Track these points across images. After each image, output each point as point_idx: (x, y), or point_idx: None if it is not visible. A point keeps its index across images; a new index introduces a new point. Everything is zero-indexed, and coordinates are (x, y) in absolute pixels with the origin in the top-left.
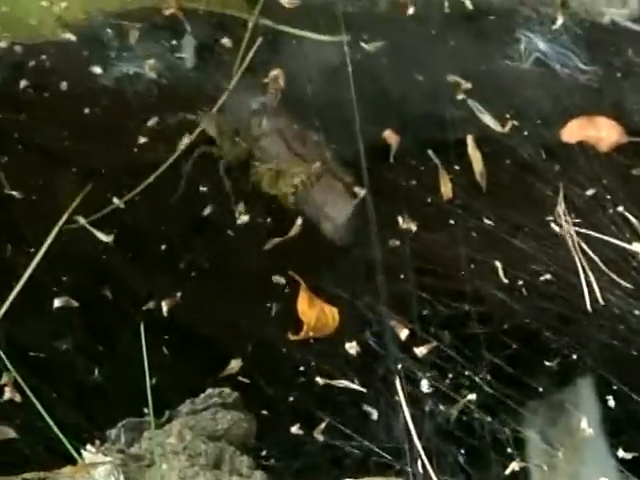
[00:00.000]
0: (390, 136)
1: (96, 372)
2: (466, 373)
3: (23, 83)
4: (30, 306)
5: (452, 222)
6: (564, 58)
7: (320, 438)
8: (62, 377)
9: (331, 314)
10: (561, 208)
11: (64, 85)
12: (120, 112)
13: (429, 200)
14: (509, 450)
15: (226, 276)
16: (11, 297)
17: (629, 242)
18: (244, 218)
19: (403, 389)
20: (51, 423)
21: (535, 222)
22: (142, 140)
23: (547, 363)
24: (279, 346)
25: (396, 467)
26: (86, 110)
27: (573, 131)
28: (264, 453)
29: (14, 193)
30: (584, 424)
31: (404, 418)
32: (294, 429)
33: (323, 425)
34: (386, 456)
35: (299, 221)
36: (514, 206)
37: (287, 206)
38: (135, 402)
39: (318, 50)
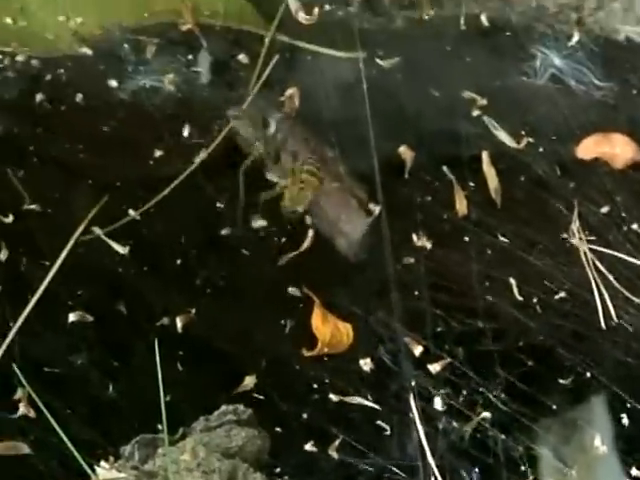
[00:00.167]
0: (405, 152)
1: (110, 388)
2: (480, 390)
3: (39, 97)
4: (45, 320)
5: (467, 239)
6: (579, 74)
7: (334, 455)
8: (76, 393)
9: (345, 331)
10: (576, 225)
11: (80, 99)
12: (136, 125)
13: (444, 216)
14: (523, 468)
15: (240, 293)
16: (26, 311)
17: None
18: (259, 234)
19: (417, 406)
20: (65, 439)
21: (550, 239)
22: (158, 153)
23: (561, 381)
24: (293, 362)
25: None
26: (102, 123)
27: (588, 148)
28: (278, 470)
29: (32, 207)
30: (598, 442)
31: (418, 435)
32: (308, 446)
33: (337, 442)
34: (400, 473)
35: (310, 233)
36: (529, 223)
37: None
38: (149, 418)
39: (334, 66)
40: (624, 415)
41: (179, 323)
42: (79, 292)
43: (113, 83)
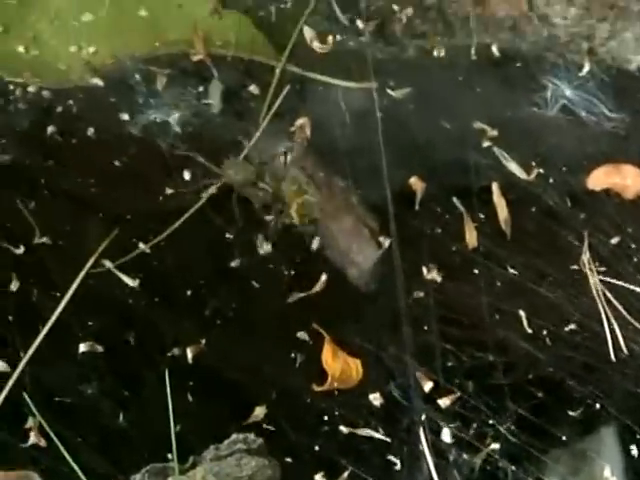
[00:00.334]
0: (416, 183)
1: (121, 417)
2: (490, 422)
3: (51, 129)
4: (56, 350)
5: (476, 271)
6: (590, 105)
7: None
8: (87, 422)
9: (355, 366)
10: (586, 256)
11: (91, 131)
12: (146, 159)
13: (454, 248)
14: None
15: (250, 324)
16: (37, 341)
17: None
18: (270, 266)
19: (427, 439)
20: (76, 468)
21: (560, 270)
22: (168, 187)
23: (571, 412)
24: (303, 395)
25: None
26: (113, 157)
27: (599, 179)
28: None
29: (43, 239)
30: (607, 473)
31: (428, 468)
32: (318, 477)
33: (347, 474)
34: None
35: (323, 277)
36: (539, 254)
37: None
38: (159, 447)
39: (345, 96)
40: (634, 446)
41: (189, 354)
42: (90, 323)
43: (124, 116)
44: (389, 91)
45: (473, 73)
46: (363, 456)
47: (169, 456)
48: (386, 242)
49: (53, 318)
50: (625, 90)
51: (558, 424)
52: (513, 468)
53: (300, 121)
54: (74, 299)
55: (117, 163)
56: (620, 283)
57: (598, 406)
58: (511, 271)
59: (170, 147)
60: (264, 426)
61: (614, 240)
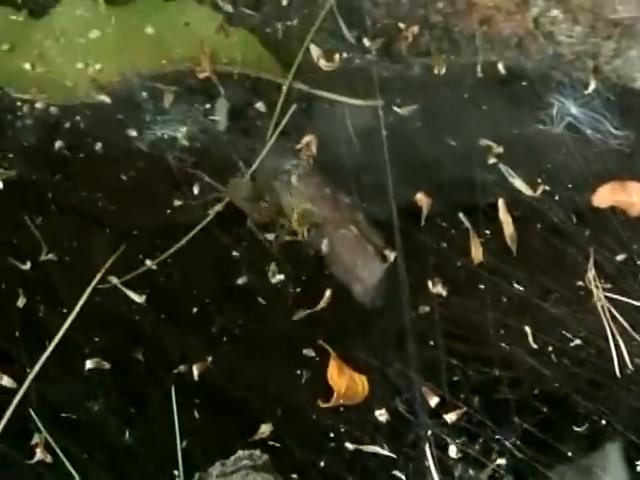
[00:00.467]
0: (421, 199)
1: (127, 434)
2: (496, 438)
3: (58, 144)
4: (62, 367)
5: (482, 286)
6: (596, 123)
7: None
8: (93, 438)
9: (361, 383)
10: (591, 273)
11: (99, 147)
12: (154, 175)
13: (459, 264)
14: None
15: (257, 341)
16: (43, 357)
17: None
18: (276, 283)
19: (433, 455)
20: None
21: (565, 287)
22: (175, 203)
23: (576, 428)
24: (309, 412)
25: None
26: (120, 172)
27: (604, 196)
28: None
29: (49, 254)
30: None
31: None
32: None
33: None
34: None
35: (328, 293)
36: (544, 270)
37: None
38: (165, 464)
39: (351, 113)
40: (639, 462)
41: (196, 371)
42: (96, 339)
43: (131, 133)
44: (395, 108)
45: (479, 91)
46: (369, 472)
47: (175, 472)
48: (391, 257)
49: (60, 334)
50: (630, 108)
51: (563, 440)
52: None
53: (307, 138)
54: (81, 315)
55: (124, 179)
56: (625, 300)
57: (603, 422)
58: (517, 287)
59: (177, 164)
60: (270, 442)
61: (619, 257)
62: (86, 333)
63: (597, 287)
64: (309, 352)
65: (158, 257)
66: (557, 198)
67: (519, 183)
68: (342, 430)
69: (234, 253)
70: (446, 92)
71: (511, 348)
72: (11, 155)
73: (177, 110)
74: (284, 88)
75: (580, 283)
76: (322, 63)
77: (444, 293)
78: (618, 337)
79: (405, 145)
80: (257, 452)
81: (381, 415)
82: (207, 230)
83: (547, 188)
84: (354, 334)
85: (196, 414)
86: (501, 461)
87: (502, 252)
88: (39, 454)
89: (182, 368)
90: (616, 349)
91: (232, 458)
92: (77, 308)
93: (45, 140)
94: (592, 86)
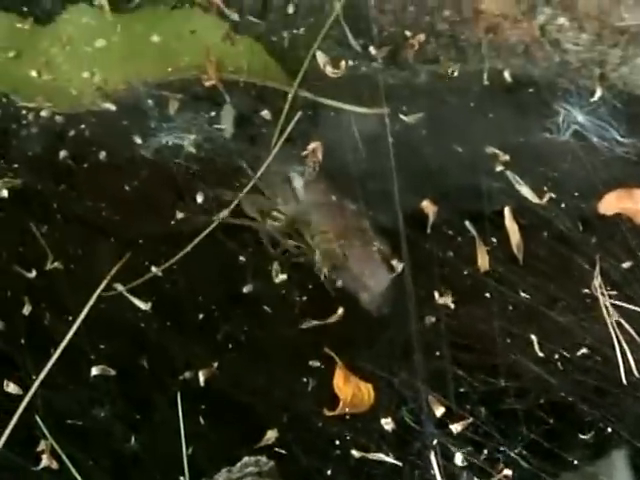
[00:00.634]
0: (428, 206)
1: (133, 440)
2: (501, 448)
3: (63, 153)
4: (68, 374)
5: (488, 295)
6: (602, 130)
7: None
8: (99, 445)
9: (367, 391)
10: (598, 281)
11: (103, 155)
12: (158, 183)
13: (466, 272)
14: None
15: (262, 348)
16: (49, 364)
17: None
18: (282, 290)
19: (438, 464)
20: None
21: (572, 295)
22: (180, 210)
23: (582, 436)
24: (315, 419)
25: None
26: (125, 181)
27: (610, 203)
28: None
29: (55, 263)
30: None
31: None
32: None
33: None
34: None
35: (340, 311)
36: (551, 278)
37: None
38: (171, 470)
39: (357, 121)
40: None
41: (201, 377)
42: (102, 346)
43: (136, 140)
44: (401, 116)
45: (485, 98)
46: None
47: (181, 479)
48: (398, 266)
49: (65, 341)
50: (637, 115)
51: (569, 448)
52: None
53: (312, 145)
54: (86, 323)
55: (129, 187)
56: (632, 307)
57: (609, 430)
58: (523, 295)
59: (182, 171)
60: (276, 449)
61: (626, 264)
62: (92, 340)
63: (603, 294)
64: (315, 360)
65: (163, 264)
66: (563, 206)
67: (525, 191)
68: (348, 438)
69: (239, 260)
70: (452, 100)
71: (517, 357)
72: (16, 164)
73: (183, 118)
74: (290, 96)
75: (586, 291)
76: (329, 70)
77: (450, 302)
78: (624, 344)
79: (411, 153)
80: (263, 459)
81: (387, 424)
82: (212, 237)
83: (553, 196)
84: (360, 343)
85: (202, 420)
86: (507, 471)
87: (508, 260)
88: (45, 460)
89: (188, 375)
90: (622, 356)
91: (238, 464)
92: (82, 315)
93: (50, 149)
94: (598, 94)
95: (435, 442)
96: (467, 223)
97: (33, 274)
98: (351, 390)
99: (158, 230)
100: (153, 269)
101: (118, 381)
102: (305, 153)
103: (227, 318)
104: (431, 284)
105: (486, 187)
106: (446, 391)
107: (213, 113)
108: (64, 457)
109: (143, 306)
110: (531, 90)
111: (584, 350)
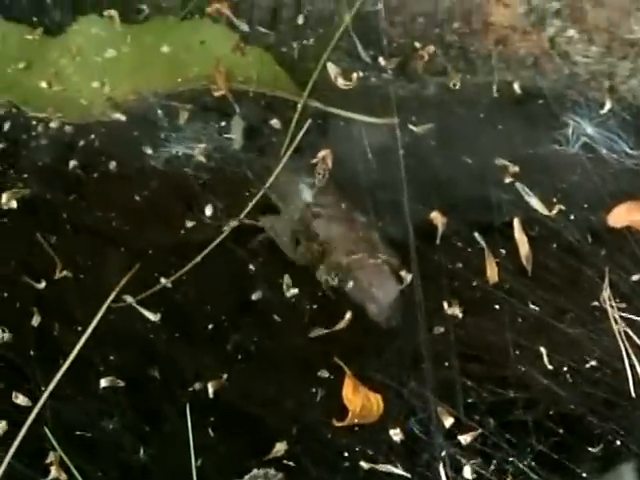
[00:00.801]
0: (437, 218)
1: (142, 452)
2: (510, 460)
3: (73, 163)
4: (77, 385)
5: (497, 307)
6: (611, 143)
7: None
8: (108, 456)
9: (376, 401)
10: (607, 293)
11: (113, 165)
12: (168, 194)
13: (474, 284)
14: None
15: (272, 359)
16: (58, 375)
17: None
18: (291, 300)
19: (447, 475)
20: None
21: (581, 307)
22: (189, 221)
23: (591, 448)
24: (324, 431)
25: None
26: (135, 191)
27: (619, 216)
28: None
29: (64, 273)
30: None
31: None
32: None
33: None
34: None
35: (348, 315)
36: (560, 290)
37: (327, 287)
38: None
39: (366, 131)
40: None
41: (211, 389)
42: (111, 358)
43: (146, 150)
44: (411, 127)
45: (495, 110)
46: None
47: None
48: (407, 278)
49: (74, 353)
50: None
51: (578, 460)
52: None
53: (322, 153)
54: (95, 334)
55: (139, 197)
56: None
57: (618, 442)
58: (532, 307)
59: (192, 182)
60: (284, 461)
61: (635, 277)
62: (101, 351)
63: (612, 307)
64: (324, 370)
65: (173, 275)
66: (572, 218)
67: (535, 202)
68: (357, 449)
69: (249, 270)
70: (462, 111)
71: (526, 369)
72: (26, 174)
73: (192, 128)
74: (299, 106)
75: (595, 303)
76: (340, 82)
77: (459, 313)
78: (633, 357)
79: (420, 164)
80: (272, 471)
81: (396, 435)
82: (222, 248)
83: (563, 208)
84: (369, 353)
85: (211, 432)
86: None
87: (517, 272)
88: (54, 472)
89: (197, 386)
90: (631, 369)
91: (247, 477)
92: (92, 326)
93: (60, 159)
94: (608, 106)
95: (444, 453)
96: (476, 234)
97: (42, 285)
98: (360, 400)
99: (168, 240)
100: (162, 280)
101: (127, 392)
102: (315, 161)
103: (236, 328)
104: (440, 295)
105: (495, 198)
106: (455, 402)
107: (223, 123)
108: (73, 469)
109: (152, 317)
110: (540, 102)
111: (593, 362)
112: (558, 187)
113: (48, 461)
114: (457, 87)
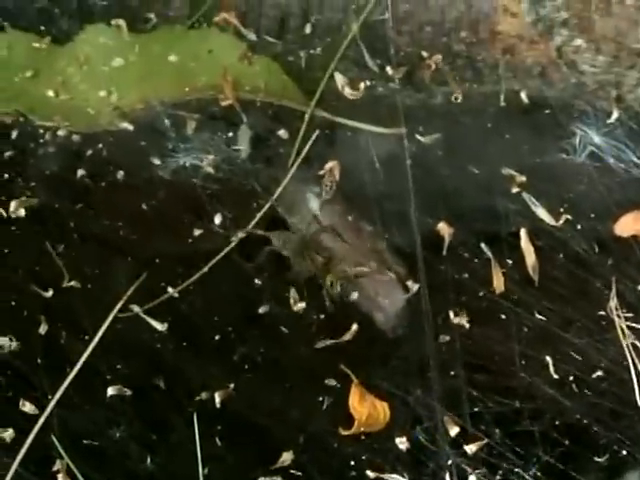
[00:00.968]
0: (444, 228)
1: (149, 461)
2: (516, 470)
3: (80, 172)
4: (84, 394)
5: (504, 317)
6: (619, 152)
7: None
8: (114, 465)
9: (382, 410)
10: (613, 303)
11: (121, 174)
12: (176, 204)
13: (481, 294)
14: None
15: (278, 369)
16: (65, 384)
17: None
18: (298, 311)
19: None
20: None
21: (587, 317)
22: (197, 231)
23: (597, 459)
24: (330, 439)
25: None
26: (142, 201)
27: (626, 225)
28: None
29: (71, 282)
30: None
31: None
32: None
33: None
34: None
35: (354, 327)
36: (566, 300)
37: (333, 295)
38: None
39: (374, 141)
40: None
41: (217, 398)
42: (118, 367)
43: (154, 161)
44: (418, 137)
45: (502, 120)
46: None
47: None
48: (414, 287)
49: (81, 361)
50: None
51: (584, 470)
52: None
53: (330, 164)
54: (102, 343)
55: (146, 207)
56: None
57: (624, 453)
58: (538, 317)
59: (199, 192)
60: (291, 470)
61: None
62: (108, 360)
63: (619, 316)
64: (331, 379)
65: (180, 285)
66: (579, 227)
67: (541, 212)
68: (363, 458)
69: (256, 281)
70: (469, 121)
71: (532, 379)
72: (33, 183)
73: (200, 138)
74: (307, 116)
75: (602, 313)
76: (347, 92)
77: (466, 323)
78: None
79: (427, 174)
80: None
81: (402, 443)
82: (229, 258)
83: (569, 217)
84: (376, 362)
85: (218, 442)
86: None
87: (524, 282)
88: None
89: (204, 395)
90: (638, 379)
91: None
92: (99, 335)
93: (67, 168)
94: (615, 115)
95: (450, 462)
96: (483, 245)
97: (50, 293)
98: (367, 409)
99: (175, 250)
100: (170, 290)
101: (134, 401)
102: (322, 172)
103: (243, 339)
104: (446, 305)
105: (502, 208)
106: (461, 411)
107: (230, 133)
108: (80, 477)
109: (159, 327)
110: (547, 111)
111: (599, 372)
112: (565, 197)
113: (55, 469)
114: (459, 100)
